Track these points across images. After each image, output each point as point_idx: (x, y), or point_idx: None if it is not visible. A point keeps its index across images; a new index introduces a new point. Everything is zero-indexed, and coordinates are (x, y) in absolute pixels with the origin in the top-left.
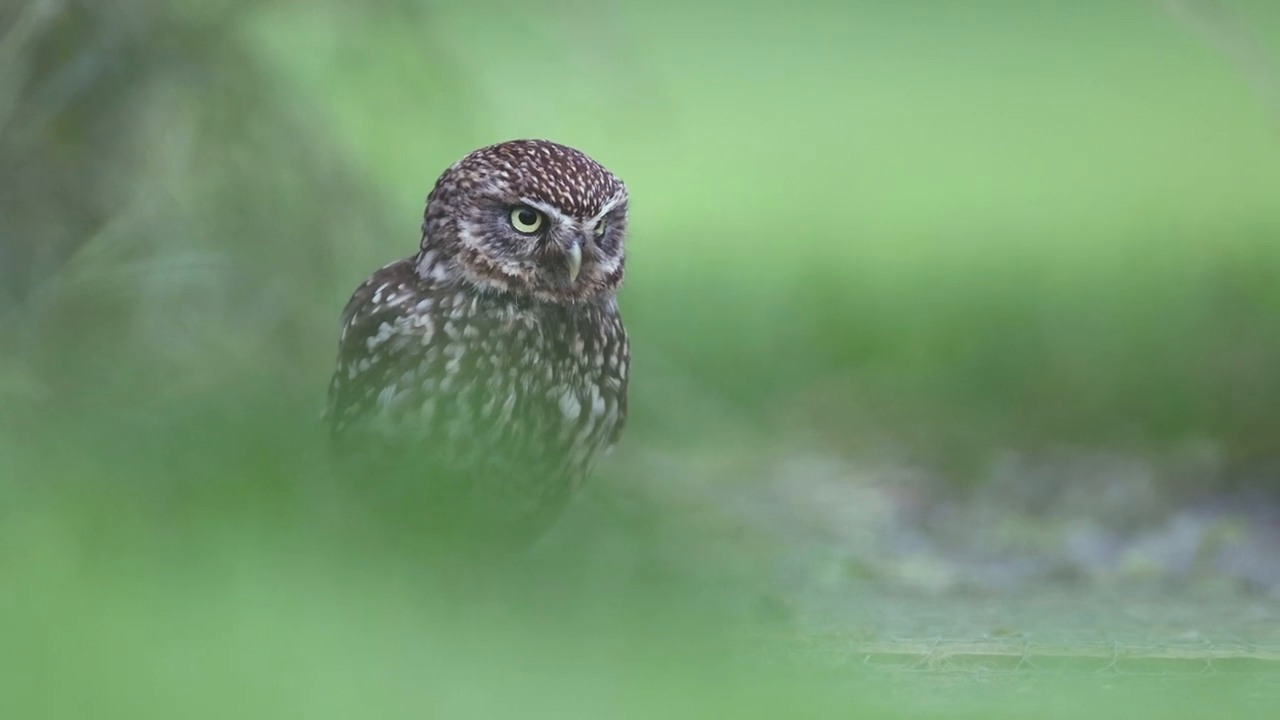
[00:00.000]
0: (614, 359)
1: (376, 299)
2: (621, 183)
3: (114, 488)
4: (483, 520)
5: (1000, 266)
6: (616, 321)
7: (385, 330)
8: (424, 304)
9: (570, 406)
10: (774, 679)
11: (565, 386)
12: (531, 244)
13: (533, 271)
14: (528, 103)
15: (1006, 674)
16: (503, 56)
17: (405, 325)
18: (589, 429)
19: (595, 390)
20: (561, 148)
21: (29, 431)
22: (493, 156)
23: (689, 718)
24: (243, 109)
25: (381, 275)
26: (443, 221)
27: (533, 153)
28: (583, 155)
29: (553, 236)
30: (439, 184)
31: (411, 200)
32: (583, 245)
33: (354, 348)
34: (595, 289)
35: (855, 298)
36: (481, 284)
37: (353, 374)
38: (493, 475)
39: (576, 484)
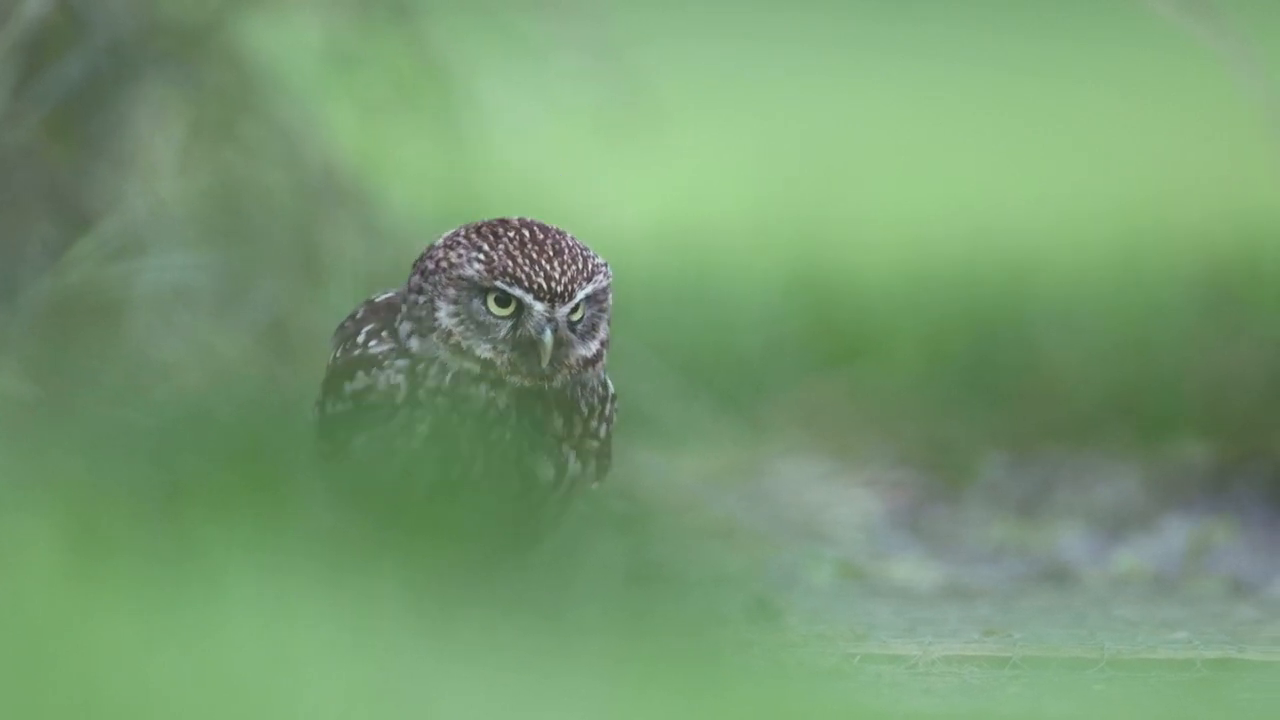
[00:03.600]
0: (594, 422)
1: (360, 339)
2: (604, 265)
3: (104, 488)
4: (472, 522)
5: (990, 267)
6: (600, 386)
7: (360, 379)
8: (401, 363)
9: (545, 471)
10: (765, 679)
11: (540, 453)
12: (505, 328)
13: (505, 355)
14: (517, 104)
15: (997, 674)
16: (492, 57)
17: (380, 380)
18: (563, 489)
19: (572, 455)
20: (544, 229)
21: (19, 432)
22: (473, 236)
23: (680, 718)
24: (233, 109)
25: (370, 312)
26: (420, 299)
27: (512, 234)
28: (565, 237)
29: (525, 322)
30: (421, 259)
31: (401, 201)
32: (555, 331)
33: (332, 388)
34: (570, 372)
35: (845, 298)
36: (454, 364)
37: (329, 409)
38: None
39: (550, 519)
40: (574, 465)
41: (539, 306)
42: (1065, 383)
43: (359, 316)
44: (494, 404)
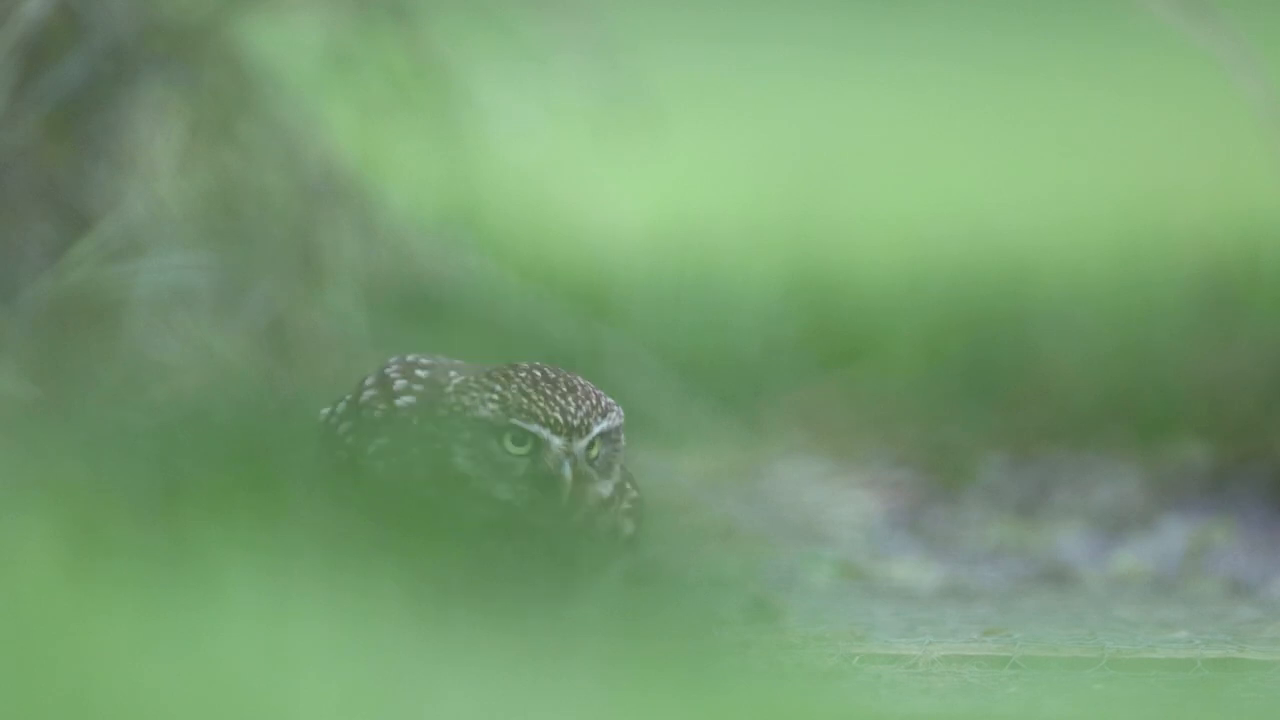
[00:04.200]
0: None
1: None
2: (615, 405)
3: (102, 488)
4: (472, 522)
5: (989, 268)
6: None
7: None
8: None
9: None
10: (764, 680)
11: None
12: (522, 466)
13: (524, 494)
14: (515, 104)
15: (996, 674)
16: (490, 58)
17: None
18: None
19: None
20: (554, 369)
21: (17, 432)
22: (484, 379)
23: (677, 718)
24: (231, 110)
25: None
26: (436, 446)
27: (523, 375)
28: (575, 376)
29: (543, 458)
30: (430, 416)
31: (399, 202)
32: (574, 465)
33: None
34: (588, 511)
35: (844, 299)
36: (474, 509)
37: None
38: None
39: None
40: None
41: (557, 441)
42: (1064, 383)
43: (370, 383)
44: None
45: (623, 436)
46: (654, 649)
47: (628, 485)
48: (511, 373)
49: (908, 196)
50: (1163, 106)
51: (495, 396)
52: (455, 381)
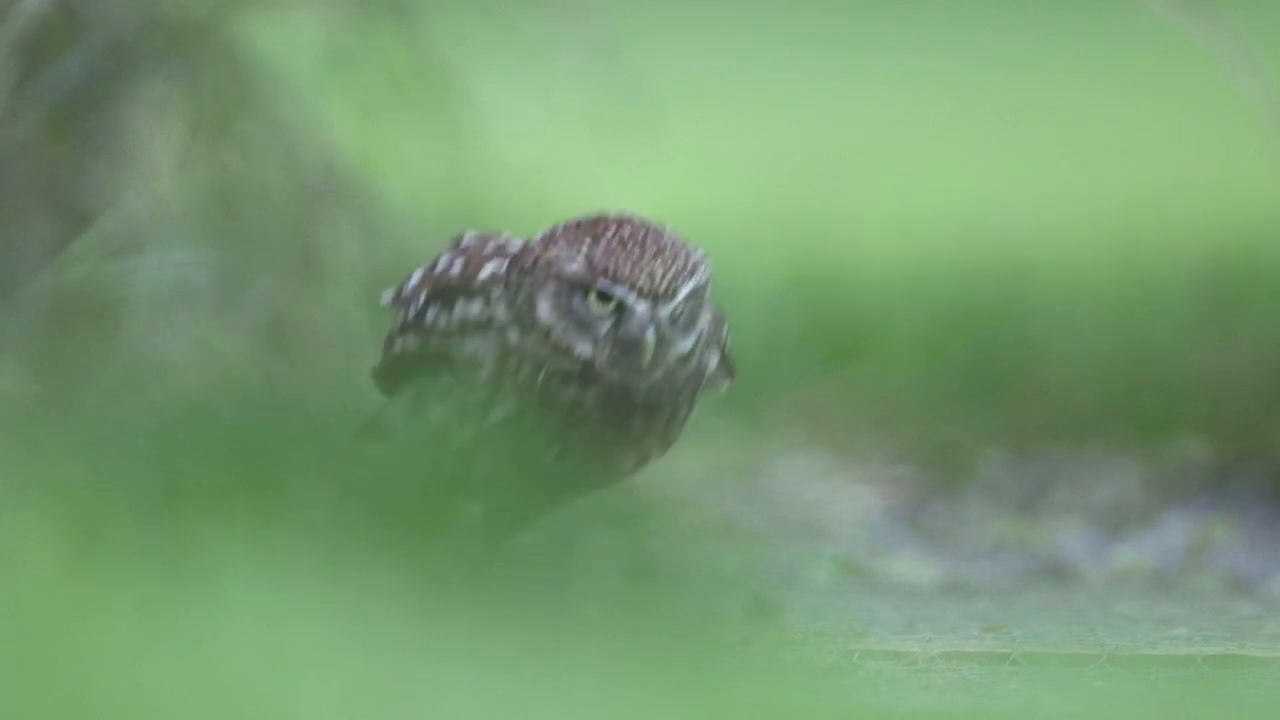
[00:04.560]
0: (684, 410)
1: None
2: (704, 260)
3: (102, 487)
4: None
5: (988, 265)
6: (695, 376)
7: (460, 308)
8: (495, 340)
9: (625, 462)
10: (764, 677)
11: (622, 447)
12: (605, 326)
13: (606, 353)
14: (516, 102)
15: (996, 671)
16: (491, 56)
17: (468, 346)
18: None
19: (656, 447)
20: (644, 225)
21: (17, 430)
22: (572, 233)
23: (678, 715)
24: (231, 108)
25: (435, 291)
26: (520, 296)
27: (611, 232)
28: (665, 234)
29: (627, 321)
30: (517, 257)
31: (400, 200)
32: (657, 330)
33: (412, 323)
34: (667, 370)
35: (844, 296)
36: (553, 362)
37: (398, 347)
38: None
39: None
40: (659, 452)
41: (642, 307)
42: (1064, 380)
43: (466, 247)
44: (579, 405)
45: (709, 290)
46: (654, 646)
47: (715, 337)
48: (601, 229)
49: (908, 194)
50: (1162, 104)
51: (583, 253)
52: (542, 234)
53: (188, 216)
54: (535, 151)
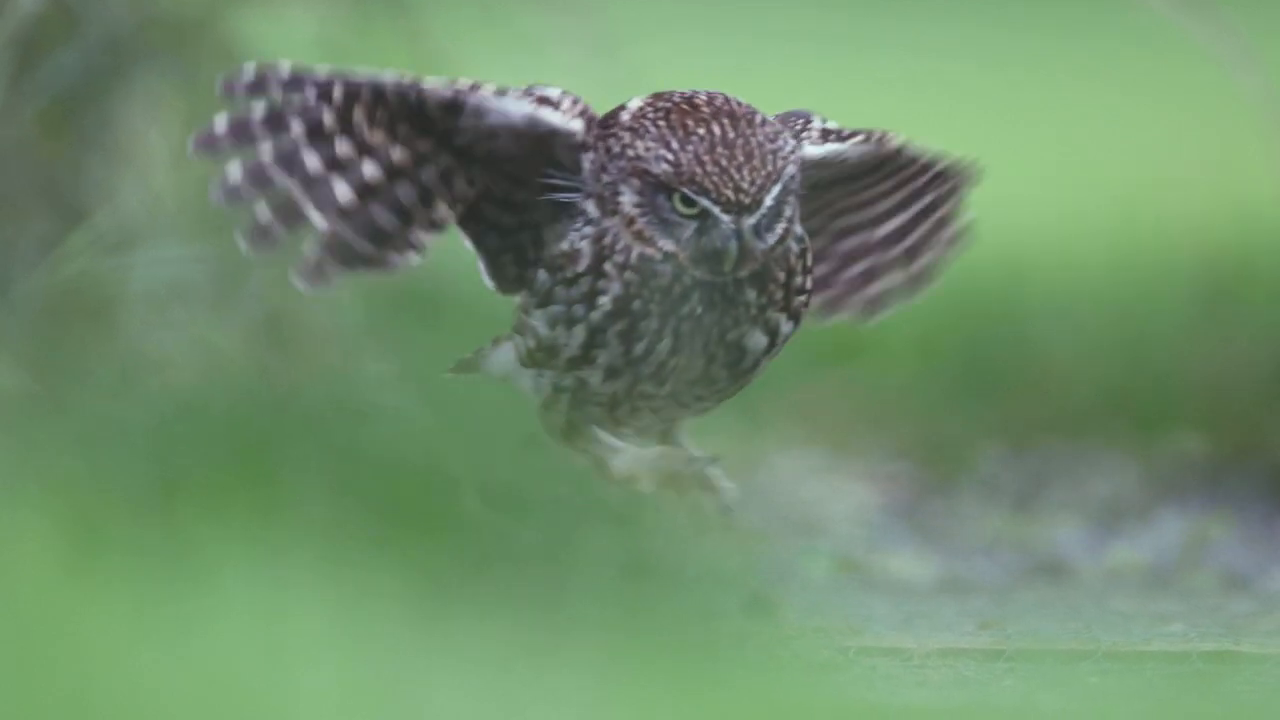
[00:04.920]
0: (799, 278)
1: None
2: (792, 150)
3: (98, 483)
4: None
5: (985, 262)
6: (795, 243)
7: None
8: (588, 230)
9: (756, 341)
10: (760, 673)
11: (747, 326)
12: (689, 228)
13: (688, 253)
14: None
15: (992, 667)
16: (488, 51)
17: (566, 242)
18: (779, 350)
19: (783, 318)
20: (735, 121)
21: (13, 426)
22: (662, 126)
23: (675, 712)
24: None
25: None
26: (605, 177)
27: (702, 132)
28: (755, 130)
29: (710, 228)
30: (605, 134)
31: None
32: (741, 240)
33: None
34: (756, 264)
35: None
36: (636, 248)
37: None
38: (642, 399)
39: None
40: (786, 327)
41: (726, 218)
42: (1061, 377)
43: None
44: (680, 280)
45: (796, 178)
46: (651, 643)
47: (796, 233)
48: (692, 123)
49: None
50: (1161, 102)
51: (669, 157)
52: (631, 109)
53: (183, 213)
54: None
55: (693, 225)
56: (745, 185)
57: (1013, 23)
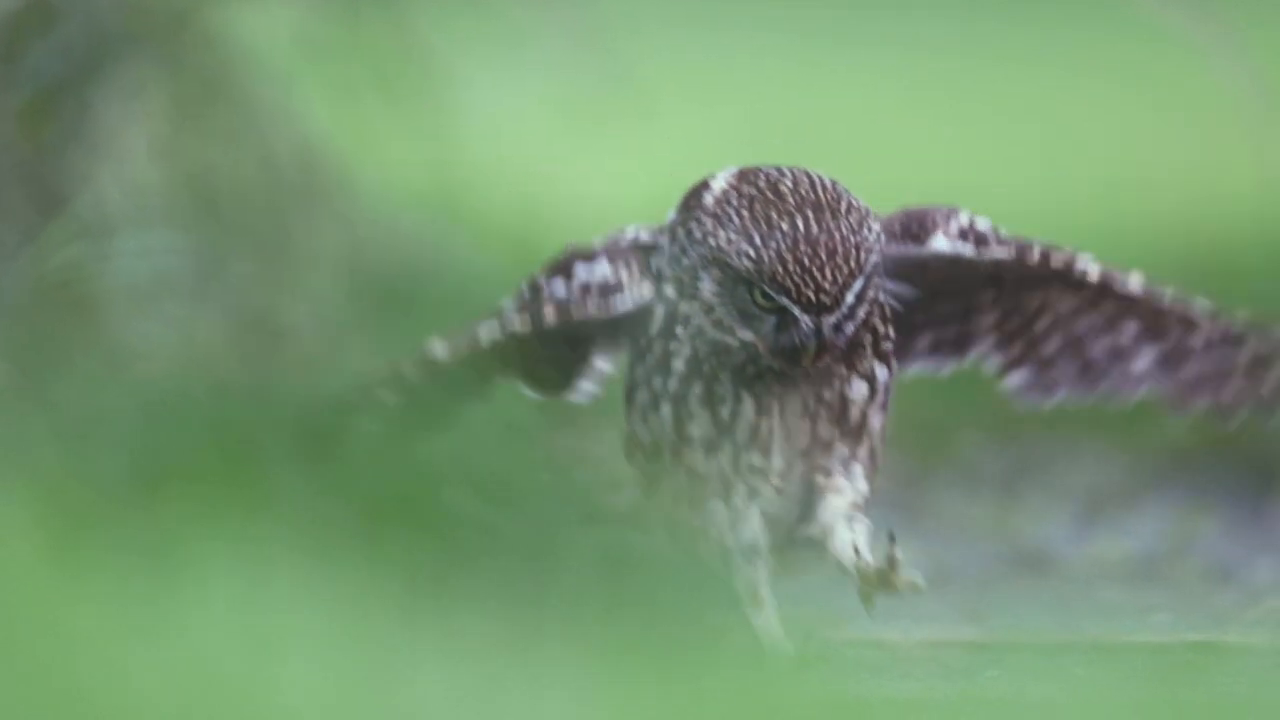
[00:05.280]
0: (880, 325)
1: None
2: (875, 236)
3: (81, 475)
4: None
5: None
6: (883, 295)
7: (603, 268)
8: (662, 302)
9: (857, 390)
10: (742, 665)
11: (839, 380)
12: (768, 324)
13: (766, 345)
14: (501, 90)
15: (976, 659)
16: (476, 42)
17: (636, 289)
18: (880, 397)
19: (877, 363)
20: (819, 212)
21: None
22: (745, 218)
23: (657, 705)
24: (210, 94)
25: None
26: (685, 261)
27: (786, 227)
28: (840, 222)
29: (789, 327)
30: (686, 220)
31: (381, 187)
32: (820, 338)
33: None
34: (835, 355)
35: None
36: (713, 334)
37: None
38: (752, 473)
39: (879, 450)
40: (881, 371)
41: (806, 318)
42: None
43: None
44: (752, 360)
45: (878, 257)
46: (633, 636)
47: (877, 326)
48: (775, 216)
49: (892, 182)
50: (1144, 93)
51: (751, 252)
52: (716, 192)
53: (166, 204)
54: (521, 138)
55: (772, 320)
56: (827, 286)
57: (1000, 15)
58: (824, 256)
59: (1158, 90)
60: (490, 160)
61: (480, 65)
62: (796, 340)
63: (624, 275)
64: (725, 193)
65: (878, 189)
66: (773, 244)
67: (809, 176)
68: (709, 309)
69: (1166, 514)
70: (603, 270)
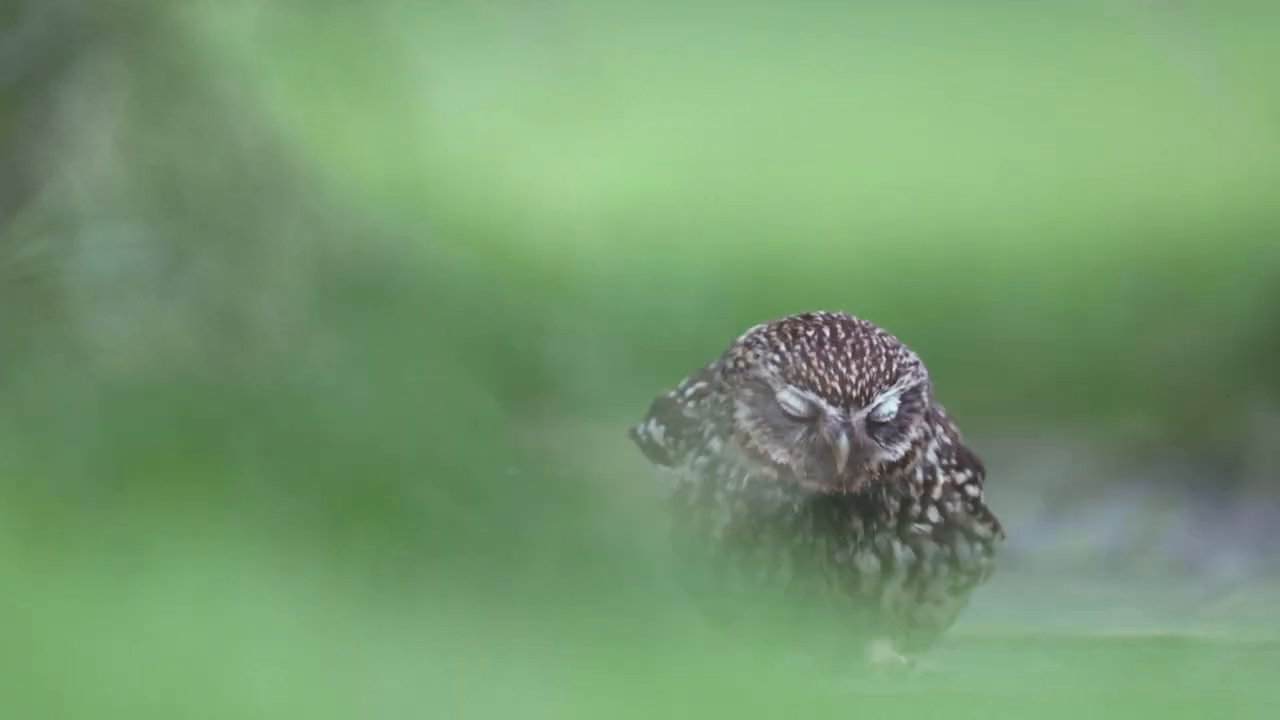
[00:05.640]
0: (916, 508)
1: (688, 393)
2: (914, 364)
3: (45, 469)
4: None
5: (936, 246)
6: (922, 473)
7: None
8: (701, 460)
9: (867, 563)
10: (706, 658)
11: (854, 549)
12: (800, 432)
13: (801, 460)
14: (468, 85)
15: (941, 652)
16: (442, 37)
17: (676, 478)
18: (902, 576)
19: (898, 544)
20: (849, 326)
21: None
22: (772, 335)
23: (619, 698)
24: (176, 88)
25: (692, 379)
26: (722, 398)
27: (811, 334)
28: (871, 335)
29: (820, 426)
30: (724, 361)
31: (347, 183)
32: (851, 437)
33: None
34: (872, 477)
35: (791, 278)
36: (751, 469)
37: (643, 437)
38: (780, 623)
39: (943, 620)
40: (903, 554)
41: (833, 411)
42: (1012, 360)
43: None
44: (789, 508)
45: (925, 395)
46: (596, 625)
47: (937, 449)
48: (801, 329)
49: (859, 176)
50: (1110, 86)
51: (777, 357)
52: (748, 334)
53: (131, 198)
54: (487, 134)
55: (803, 430)
56: (853, 378)
57: (967, 8)
58: (850, 354)
59: (1124, 83)
60: (458, 157)
61: (448, 61)
62: (827, 438)
63: (688, 479)
64: (754, 331)
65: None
66: (797, 347)
67: (846, 313)
68: (745, 439)
69: (1131, 508)
70: (676, 478)
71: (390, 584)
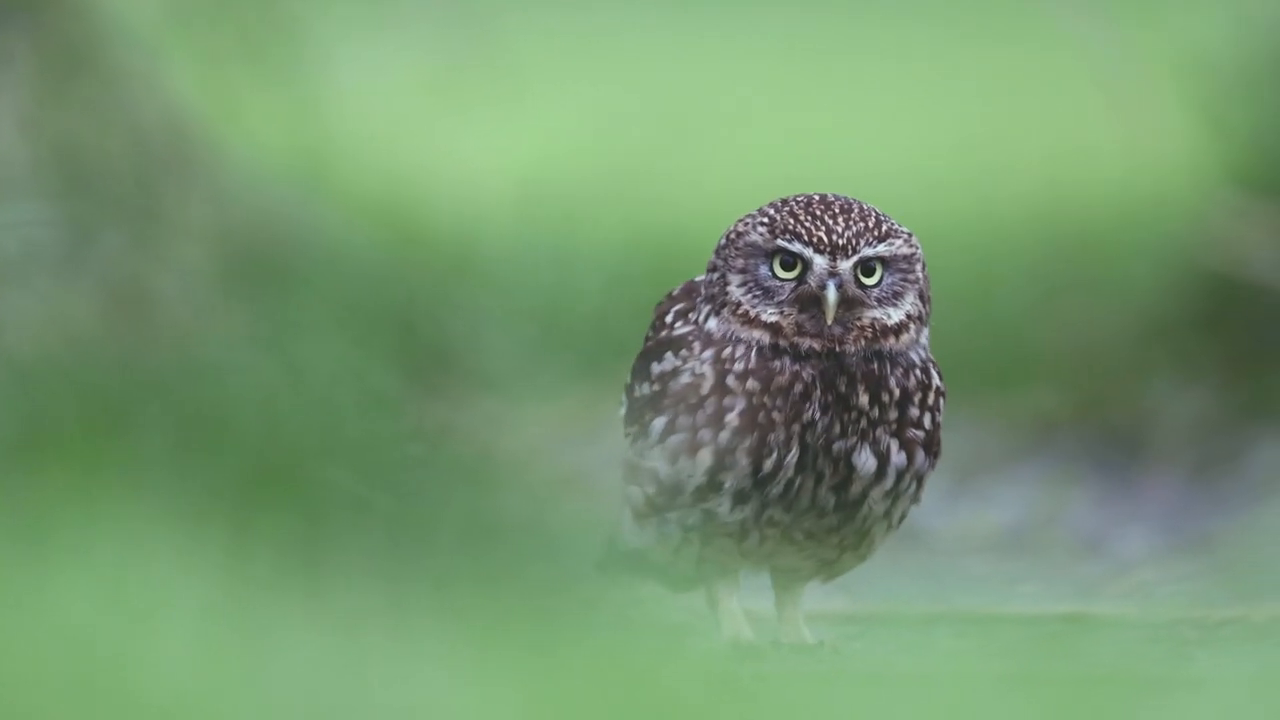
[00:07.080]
0: (913, 410)
1: (669, 319)
2: (906, 234)
3: None
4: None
5: None
6: (919, 372)
7: (669, 360)
8: (707, 353)
9: (864, 461)
10: (611, 634)
11: (856, 440)
12: (788, 288)
13: (791, 317)
14: (373, 63)
15: (845, 630)
16: (346, 17)
17: (687, 371)
18: (889, 482)
19: (894, 444)
20: (838, 197)
21: None
22: (763, 208)
23: (523, 673)
24: (77, 65)
25: (684, 291)
26: (715, 276)
27: (800, 200)
28: (860, 205)
29: (808, 278)
30: (718, 246)
31: (250, 158)
32: (839, 286)
33: (641, 369)
34: (865, 337)
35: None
36: (745, 335)
37: (636, 394)
38: (770, 526)
39: (880, 535)
40: (898, 458)
41: (819, 260)
42: None
43: (674, 295)
44: (799, 376)
45: (919, 269)
46: (502, 602)
47: (923, 326)
48: (792, 200)
49: (760, 153)
50: (1014, 69)
51: (765, 220)
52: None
53: (33, 176)
54: (392, 111)
55: (792, 284)
56: (839, 229)
57: None
58: (837, 211)
59: (1024, 68)
60: (362, 133)
61: (353, 38)
62: (814, 285)
63: (699, 371)
64: (748, 213)
65: (747, 153)
66: (786, 209)
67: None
68: (737, 306)
69: (1035, 485)
70: (687, 370)
71: (295, 561)
